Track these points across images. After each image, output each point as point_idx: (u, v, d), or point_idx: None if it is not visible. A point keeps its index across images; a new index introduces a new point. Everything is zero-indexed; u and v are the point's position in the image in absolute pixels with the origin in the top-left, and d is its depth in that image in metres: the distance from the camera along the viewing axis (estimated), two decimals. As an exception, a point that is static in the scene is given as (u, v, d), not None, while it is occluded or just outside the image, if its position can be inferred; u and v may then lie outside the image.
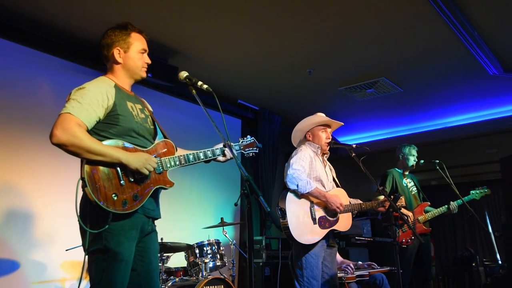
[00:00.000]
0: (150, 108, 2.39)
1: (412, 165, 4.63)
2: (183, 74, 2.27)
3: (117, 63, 2.19)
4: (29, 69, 4.25)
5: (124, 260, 1.96)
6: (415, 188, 4.64)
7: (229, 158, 2.34)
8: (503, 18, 4.24)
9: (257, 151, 2.54)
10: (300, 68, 5.27)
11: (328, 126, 3.45)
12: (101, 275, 1.92)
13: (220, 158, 2.34)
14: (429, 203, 4.57)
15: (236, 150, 2.38)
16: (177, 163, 2.18)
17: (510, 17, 4.21)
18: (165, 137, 2.28)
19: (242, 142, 2.51)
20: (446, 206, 4.43)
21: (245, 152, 2.50)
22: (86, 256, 1.98)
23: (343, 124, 3.50)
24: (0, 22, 4.00)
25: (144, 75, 2.27)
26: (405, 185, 4.58)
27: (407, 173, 4.71)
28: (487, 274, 6.27)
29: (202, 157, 2.28)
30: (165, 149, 2.20)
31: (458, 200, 4.45)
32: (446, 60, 5.05)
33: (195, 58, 4.96)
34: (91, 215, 1.93)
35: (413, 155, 4.64)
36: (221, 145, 2.36)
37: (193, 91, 2.25)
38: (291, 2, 3.92)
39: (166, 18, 4.19)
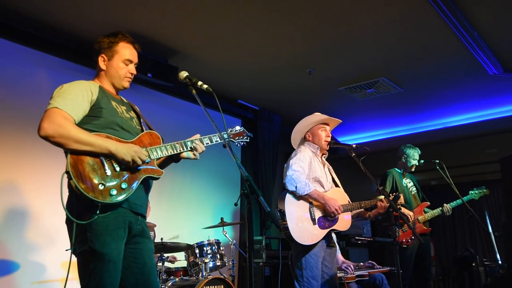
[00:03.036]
0: (138, 111, 2.39)
1: (412, 166, 4.64)
2: (183, 74, 2.27)
3: (101, 70, 2.23)
4: (29, 68, 4.26)
5: (112, 260, 1.92)
6: (415, 188, 4.66)
7: (197, 156, 2.28)
8: (503, 18, 4.24)
9: (248, 141, 2.50)
10: (300, 68, 5.27)
11: (326, 124, 3.45)
12: (90, 276, 1.90)
13: (186, 154, 2.27)
14: (428, 203, 4.58)
15: (226, 139, 2.27)
16: (164, 152, 2.16)
17: (510, 17, 4.21)
18: (150, 129, 2.27)
19: (230, 131, 2.47)
20: (440, 208, 4.43)
21: (235, 142, 2.46)
22: (72, 256, 1.96)
23: (341, 121, 3.50)
24: (0, 22, 4.00)
25: (126, 85, 2.26)
26: (405, 185, 4.59)
27: (406, 173, 4.72)
28: (487, 274, 6.27)
29: (190, 145, 2.26)
30: (151, 140, 2.19)
31: (453, 202, 4.46)
32: (446, 60, 5.05)
33: (195, 58, 4.96)
34: (78, 208, 1.90)
35: (416, 159, 4.67)
36: (209, 135, 2.33)
37: (193, 91, 2.25)
38: (291, 3, 3.93)
39: (166, 18, 4.19)
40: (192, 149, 2.26)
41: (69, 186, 1.93)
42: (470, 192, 4.57)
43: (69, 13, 4.07)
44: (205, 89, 2.23)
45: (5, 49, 4.08)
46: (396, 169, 4.72)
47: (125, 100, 2.35)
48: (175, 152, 2.20)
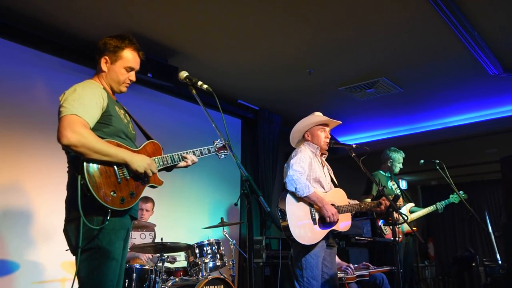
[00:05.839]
0: (129, 113, 2.46)
1: (398, 171, 4.83)
2: (183, 74, 2.29)
3: (102, 71, 2.24)
4: (29, 68, 4.26)
5: (115, 259, 2.00)
6: (399, 190, 4.74)
7: (190, 163, 2.42)
8: (503, 18, 4.24)
9: (227, 154, 2.63)
10: (300, 68, 5.27)
11: (326, 125, 3.45)
12: (93, 274, 1.95)
13: (181, 164, 2.41)
14: (413, 204, 4.76)
15: (212, 152, 2.53)
16: (165, 162, 2.28)
17: (510, 17, 4.21)
18: (149, 137, 2.37)
19: (216, 144, 2.59)
20: (434, 205, 4.67)
21: (218, 154, 2.60)
22: (70, 255, 2.03)
23: (340, 122, 3.50)
24: (0, 22, 4.00)
25: (123, 90, 2.30)
26: (390, 187, 4.67)
27: (392, 175, 4.83)
28: (487, 274, 6.26)
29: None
30: (154, 150, 2.30)
31: (443, 201, 4.73)
32: (446, 60, 5.05)
33: (195, 58, 4.96)
34: (86, 213, 1.94)
35: (401, 162, 4.81)
36: (204, 148, 2.49)
37: (193, 91, 2.27)
38: (292, 3, 3.92)
39: (166, 18, 4.19)
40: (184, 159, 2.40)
41: (75, 187, 1.95)
42: (450, 196, 4.79)
43: (69, 13, 4.06)
44: (205, 89, 2.25)
45: (5, 48, 4.08)
46: (381, 171, 4.83)
47: (119, 103, 2.40)
48: (174, 163, 2.33)
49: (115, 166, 2.01)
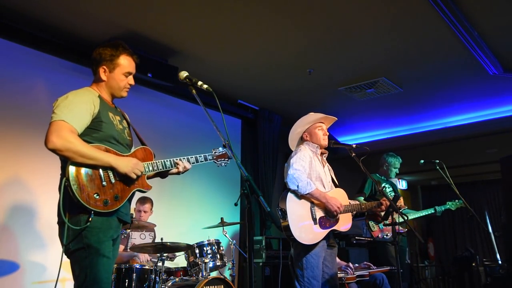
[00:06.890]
0: (128, 120, 2.49)
1: (394, 175, 4.92)
2: (183, 74, 2.29)
3: (102, 80, 2.29)
4: (29, 69, 4.25)
5: (106, 256, 2.03)
6: (394, 193, 4.79)
7: (182, 170, 2.40)
8: (503, 18, 4.24)
9: (228, 162, 2.62)
10: (300, 68, 5.27)
11: (322, 123, 3.44)
12: (86, 272, 1.98)
13: (173, 170, 2.41)
14: (406, 206, 4.84)
15: (210, 160, 2.51)
16: (155, 168, 2.29)
17: (510, 17, 4.21)
18: (144, 144, 2.39)
19: (215, 152, 2.59)
20: (433, 208, 4.73)
21: (217, 162, 2.59)
22: (64, 257, 2.04)
23: (336, 119, 3.48)
24: (0, 22, 4.00)
25: (124, 95, 2.36)
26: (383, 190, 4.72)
27: (387, 179, 4.93)
28: (487, 274, 6.27)
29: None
30: (144, 155, 2.32)
31: (441, 206, 4.79)
32: (446, 60, 5.05)
33: (195, 58, 4.96)
34: (72, 214, 1.99)
35: (397, 167, 4.91)
36: (195, 156, 2.47)
37: (193, 91, 2.28)
38: (291, 3, 3.92)
39: (166, 18, 4.19)
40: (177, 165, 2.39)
41: (63, 189, 1.99)
42: (447, 202, 4.86)
43: (69, 13, 4.06)
44: (205, 89, 2.26)
45: (5, 49, 4.08)
46: (377, 174, 4.92)
47: (118, 109, 2.43)
48: (165, 169, 2.33)
49: (100, 170, 2.05)
